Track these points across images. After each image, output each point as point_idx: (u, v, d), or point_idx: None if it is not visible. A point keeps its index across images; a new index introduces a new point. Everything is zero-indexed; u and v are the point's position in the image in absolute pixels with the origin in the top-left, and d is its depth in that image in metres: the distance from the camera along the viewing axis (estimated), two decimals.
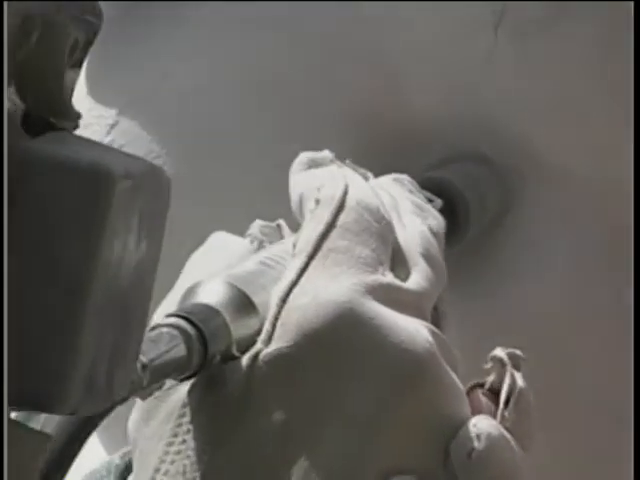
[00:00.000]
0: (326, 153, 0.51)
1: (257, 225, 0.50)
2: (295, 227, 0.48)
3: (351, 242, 0.44)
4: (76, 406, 0.38)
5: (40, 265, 0.37)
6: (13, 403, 0.37)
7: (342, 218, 0.44)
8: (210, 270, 0.46)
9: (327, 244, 0.44)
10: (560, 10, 0.74)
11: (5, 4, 0.40)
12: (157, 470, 0.42)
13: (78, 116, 0.40)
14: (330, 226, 0.44)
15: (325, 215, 0.45)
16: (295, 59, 0.77)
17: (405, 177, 0.54)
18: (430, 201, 0.54)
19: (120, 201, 0.37)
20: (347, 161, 0.51)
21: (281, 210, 0.52)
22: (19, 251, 0.37)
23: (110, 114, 0.77)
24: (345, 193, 0.46)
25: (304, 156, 0.51)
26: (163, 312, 0.44)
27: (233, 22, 0.79)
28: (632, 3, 0.81)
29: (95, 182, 0.37)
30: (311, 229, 0.44)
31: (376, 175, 0.57)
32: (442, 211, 0.54)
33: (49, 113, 0.39)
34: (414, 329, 0.42)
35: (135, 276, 0.41)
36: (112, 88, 0.79)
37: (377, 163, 0.67)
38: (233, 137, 0.75)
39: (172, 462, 0.42)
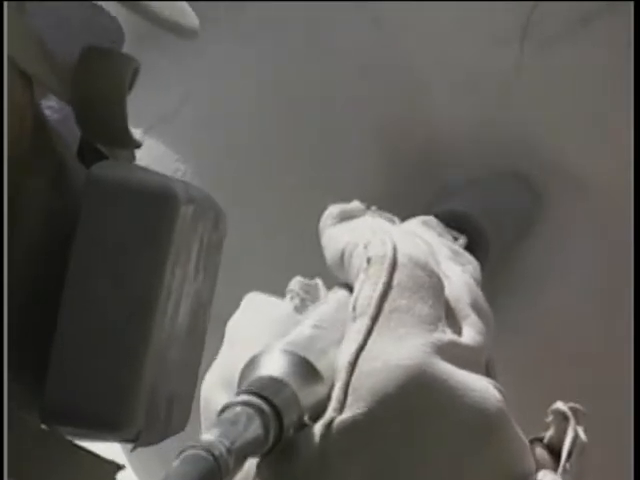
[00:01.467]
0: (356, 204, 0.51)
1: (297, 282, 0.50)
2: (329, 280, 0.49)
3: (410, 300, 0.43)
4: (138, 433, 0.40)
5: (106, 286, 0.39)
6: (82, 426, 0.40)
7: (397, 276, 0.44)
8: (260, 338, 0.45)
9: (388, 304, 0.43)
10: (582, 21, 0.73)
11: (5, 4, 0.40)
12: None
13: (138, 145, 0.43)
14: (388, 285, 0.44)
15: (381, 274, 0.44)
16: (311, 75, 0.76)
17: (432, 219, 0.55)
18: (455, 239, 0.55)
19: (184, 224, 0.39)
20: (373, 208, 0.52)
21: (303, 227, 0.55)
22: (86, 273, 0.39)
23: (135, 133, 0.79)
24: (395, 250, 0.45)
25: (334, 209, 0.51)
26: (213, 380, 0.45)
27: (249, 41, 0.78)
28: (632, 3, 0.78)
29: (163, 204, 0.38)
30: (369, 289, 0.44)
31: (402, 196, 0.62)
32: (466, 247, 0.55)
33: (111, 142, 0.43)
34: (485, 388, 0.43)
35: (192, 309, 0.43)
36: (137, 109, 0.80)
37: (399, 181, 0.73)
38: (254, 153, 0.76)
39: None
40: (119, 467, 0.42)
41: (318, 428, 0.41)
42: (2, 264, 0.39)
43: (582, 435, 0.46)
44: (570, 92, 0.75)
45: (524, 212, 0.74)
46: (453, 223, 0.56)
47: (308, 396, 0.41)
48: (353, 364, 0.41)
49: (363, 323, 0.42)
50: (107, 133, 0.42)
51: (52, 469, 0.41)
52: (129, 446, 0.41)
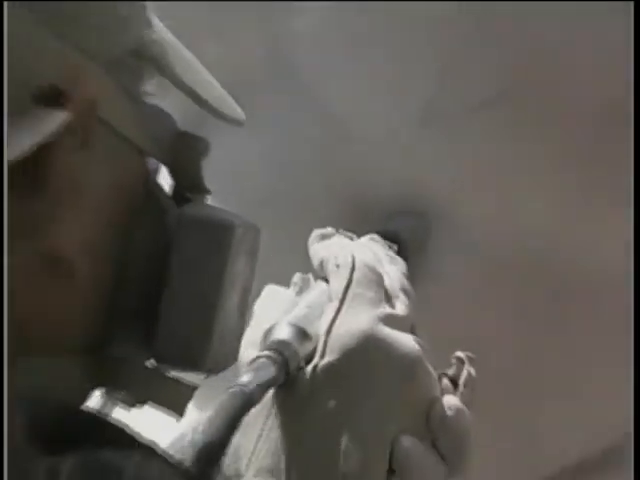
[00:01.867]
0: (330, 229, 0.72)
1: (297, 276, 0.70)
2: (316, 277, 0.69)
3: (363, 290, 0.64)
4: (209, 370, 0.59)
5: (193, 279, 0.58)
6: (178, 364, 0.58)
7: (355, 275, 0.64)
8: (273, 314, 0.64)
9: (350, 292, 0.63)
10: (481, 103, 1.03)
11: (5, 4, 0.44)
12: (259, 438, 0.61)
13: (209, 192, 0.63)
14: (350, 281, 0.64)
15: (346, 274, 0.65)
16: (294, 157, 1.14)
17: (375, 236, 0.76)
18: (390, 247, 0.76)
19: (237, 240, 0.58)
20: (340, 230, 0.73)
21: (300, 244, 0.73)
22: (180, 271, 0.57)
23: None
24: (354, 258, 0.66)
25: (316, 232, 0.72)
26: (245, 342, 0.65)
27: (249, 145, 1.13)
28: (632, 3, 0.88)
29: (225, 229, 0.58)
30: (338, 284, 0.64)
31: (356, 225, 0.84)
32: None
33: (193, 190, 0.62)
34: (410, 342, 0.61)
35: (241, 293, 0.63)
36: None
37: (351, 213, 1.11)
38: (267, 206, 1.12)
39: (267, 437, 0.60)
40: (195, 388, 0.61)
41: (308, 369, 0.60)
42: (2, 264, 0.44)
43: (473, 373, 0.66)
44: (463, 156, 1.09)
45: (422, 234, 1.08)
46: (388, 237, 0.78)
47: (303, 350, 0.60)
48: (329, 330, 0.61)
49: (335, 304, 0.63)
50: (191, 185, 0.60)
51: (153, 391, 0.59)
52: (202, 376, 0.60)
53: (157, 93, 0.55)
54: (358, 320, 0.62)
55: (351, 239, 0.73)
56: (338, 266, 0.65)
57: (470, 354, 0.67)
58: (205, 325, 0.58)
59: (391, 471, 0.60)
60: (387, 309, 0.63)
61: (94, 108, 0.49)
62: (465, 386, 0.65)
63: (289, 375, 0.59)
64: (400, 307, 0.65)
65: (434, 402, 0.62)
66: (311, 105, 1.09)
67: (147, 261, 0.57)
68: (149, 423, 0.63)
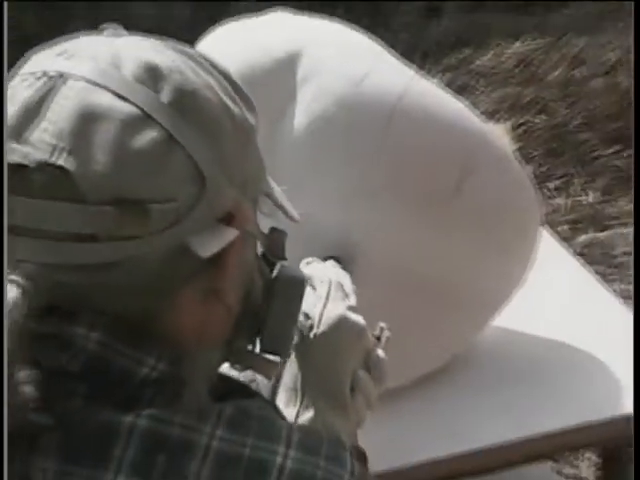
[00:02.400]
0: (310, 259, 1.22)
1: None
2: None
3: (336, 294, 1.12)
4: (287, 355, 1.02)
5: (286, 310, 1.00)
6: (267, 352, 0.98)
7: (332, 288, 1.13)
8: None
9: (331, 295, 1.12)
10: None
11: (5, 3, 0.89)
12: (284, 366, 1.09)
13: (286, 259, 1.01)
14: (330, 289, 1.13)
15: (326, 286, 1.13)
16: None
17: (332, 261, 1.29)
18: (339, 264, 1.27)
19: (305, 287, 1.01)
20: (315, 258, 1.22)
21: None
22: (279, 310, 0.98)
23: None
24: (330, 277, 1.14)
25: (303, 261, 1.21)
26: None
27: None
28: (632, 3, 0.85)
29: (303, 282, 0.99)
30: (323, 290, 1.12)
31: None
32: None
33: (278, 258, 1.00)
34: (360, 319, 1.10)
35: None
36: None
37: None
38: None
39: (289, 367, 1.08)
40: (277, 364, 0.99)
41: (311, 334, 1.08)
42: (2, 265, 0.60)
43: (389, 334, 1.15)
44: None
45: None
46: (336, 260, 1.29)
47: (307, 325, 1.09)
48: (321, 314, 1.09)
49: (322, 301, 1.10)
50: (278, 255, 0.98)
51: (253, 364, 0.98)
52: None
53: (270, 213, 0.93)
54: (335, 310, 1.10)
55: (323, 262, 1.23)
56: (322, 281, 1.14)
57: (386, 324, 1.16)
58: (290, 332, 1.00)
59: (351, 389, 1.08)
60: (349, 302, 1.12)
61: (247, 224, 0.84)
62: (386, 342, 1.15)
63: (303, 335, 1.08)
64: (353, 300, 1.13)
65: (370, 352, 1.11)
66: None
67: (258, 297, 0.95)
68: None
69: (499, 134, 1.56)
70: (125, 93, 0.77)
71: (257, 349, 0.96)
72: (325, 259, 1.26)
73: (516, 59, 4.08)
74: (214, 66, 0.84)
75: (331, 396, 1.06)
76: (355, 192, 1.41)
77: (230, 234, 0.81)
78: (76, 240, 0.75)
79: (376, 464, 0.98)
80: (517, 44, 4.17)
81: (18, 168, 0.74)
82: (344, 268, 1.26)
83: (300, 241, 1.31)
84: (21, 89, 0.77)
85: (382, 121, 1.38)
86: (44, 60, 0.79)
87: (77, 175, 0.74)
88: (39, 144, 0.75)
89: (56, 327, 0.76)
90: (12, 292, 0.72)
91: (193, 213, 0.78)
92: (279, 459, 0.77)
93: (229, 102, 0.83)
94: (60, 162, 0.74)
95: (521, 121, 3.65)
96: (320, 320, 1.08)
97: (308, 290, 1.04)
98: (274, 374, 1.00)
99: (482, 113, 3.60)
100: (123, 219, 0.74)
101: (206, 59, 0.84)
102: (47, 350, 0.76)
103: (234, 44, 1.46)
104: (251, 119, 0.85)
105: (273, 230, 0.94)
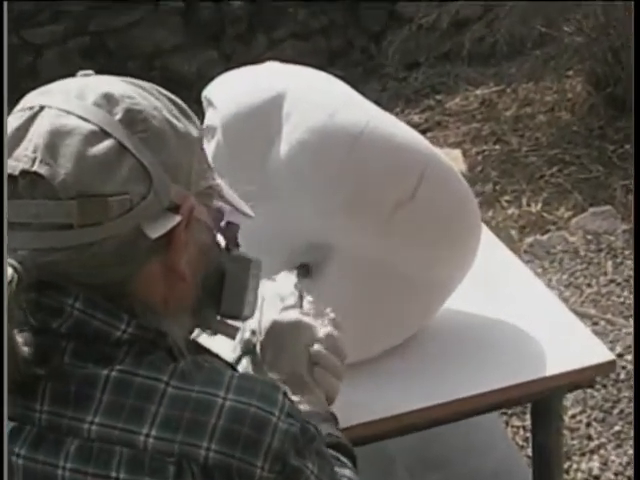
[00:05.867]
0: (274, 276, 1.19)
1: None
2: None
3: (272, 302, 1.11)
4: (245, 318, 1.00)
5: (237, 280, 1.01)
6: (232, 318, 0.99)
7: (265, 301, 1.10)
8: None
9: (263, 308, 1.10)
10: None
11: (5, 4, 0.82)
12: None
13: (239, 245, 1.03)
14: (261, 304, 1.09)
15: (260, 302, 1.08)
16: None
17: (286, 272, 1.22)
18: (292, 271, 1.24)
19: (256, 261, 1.03)
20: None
21: None
22: (233, 277, 1.00)
23: None
24: (264, 293, 1.11)
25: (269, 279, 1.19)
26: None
27: None
28: (632, 3, 0.85)
29: (249, 260, 1.00)
30: (291, 300, 1.12)
31: None
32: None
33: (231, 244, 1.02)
34: (294, 315, 1.09)
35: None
36: None
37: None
38: None
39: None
40: (238, 328, 1.01)
41: (257, 346, 1.09)
42: (2, 266, 0.73)
43: (332, 316, 1.12)
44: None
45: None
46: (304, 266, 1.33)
47: (254, 338, 1.11)
48: (259, 326, 1.09)
49: (258, 316, 1.11)
50: (231, 241, 1.00)
51: (218, 329, 1.00)
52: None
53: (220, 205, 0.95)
54: (269, 317, 1.09)
55: (273, 280, 1.18)
56: (263, 299, 1.11)
57: (328, 309, 1.12)
58: (242, 298, 0.97)
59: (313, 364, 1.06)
60: (282, 304, 1.11)
61: (191, 212, 0.86)
62: (331, 322, 1.11)
63: (254, 348, 1.08)
64: (292, 299, 1.12)
65: (316, 334, 1.09)
66: None
67: (214, 272, 0.95)
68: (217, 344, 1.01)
69: (455, 156, 1.52)
70: (86, 115, 0.81)
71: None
72: (298, 266, 1.30)
73: (479, 101, 4.06)
74: (162, 93, 0.88)
75: (286, 381, 1.02)
76: (326, 204, 1.36)
77: (175, 219, 0.83)
78: (55, 229, 0.79)
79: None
80: (479, 90, 4.14)
81: (10, 178, 0.80)
82: (316, 267, 1.31)
83: (287, 245, 1.37)
84: (12, 120, 0.83)
85: (348, 142, 1.33)
86: (31, 98, 0.85)
87: (50, 178, 0.79)
88: (22, 158, 0.80)
89: (51, 298, 0.81)
90: (9, 272, 0.77)
91: (143, 203, 0.81)
92: (219, 400, 0.80)
93: (173, 119, 0.85)
94: (36, 169, 0.79)
95: (483, 149, 3.62)
96: (258, 330, 1.08)
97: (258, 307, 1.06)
98: (235, 335, 1.01)
99: (452, 143, 3.71)
100: (88, 210, 0.79)
101: (156, 89, 0.88)
102: (42, 316, 0.80)
103: (235, 86, 1.46)
104: (195, 132, 0.88)
105: (228, 224, 0.96)
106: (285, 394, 0.85)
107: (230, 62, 3.96)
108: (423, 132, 3.45)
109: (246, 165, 1.33)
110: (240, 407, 0.80)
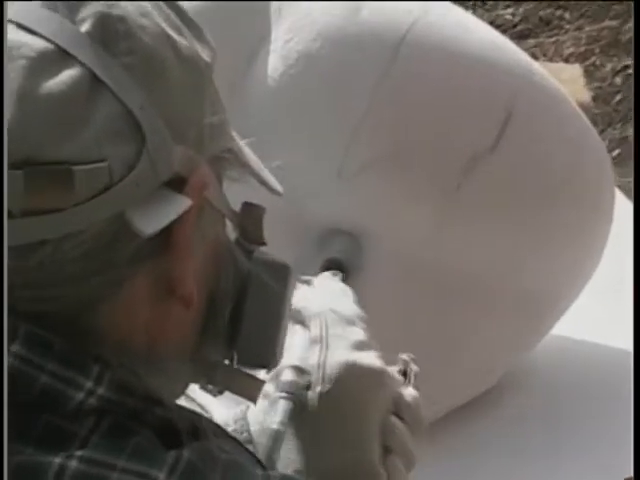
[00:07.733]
0: (307, 277, 0.84)
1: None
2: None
3: (336, 328, 0.77)
4: (273, 366, 0.67)
5: (262, 307, 0.66)
6: (250, 365, 0.66)
7: (328, 322, 0.76)
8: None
9: (326, 336, 0.76)
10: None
11: (5, 4, 0.54)
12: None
13: (265, 243, 0.69)
14: (324, 326, 0.76)
15: (319, 323, 0.76)
16: None
17: (327, 273, 0.91)
18: (335, 275, 0.93)
19: (291, 274, 0.67)
20: (299, 276, 0.81)
21: None
22: (255, 302, 0.65)
23: None
24: (322, 306, 0.78)
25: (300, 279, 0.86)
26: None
27: None
28: (632, 3, 1.22)
29: (285, 267, 0.66)
30: (317, 329, 0.75)
31: None
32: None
33: (254, 242, 0.70)
34: (376, 360, 0.75)
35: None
36: None
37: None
38: None
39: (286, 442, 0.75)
40: (264, 382, 0.68)
41: (312, 400, 0.74)
42: (2, 265, 0.51)
43: (416, 369, 0.77)
44: None
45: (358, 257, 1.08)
46: (334, 267, 0.97)
47: (303, 381, 0.76)
48: (319, 366, 0.74)
49: (318, 348, 0.77)
50: (254, 239, 0.69)
51: (231, 384, 0.65)
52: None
53: (240, 178, 0.67)
54: (339, 355, 0.74)
55: (308, 283, 0.83)
56: (315, 315, 0.76)
57: (411, 355, 0.78)
58: (274, 336, 0.67)
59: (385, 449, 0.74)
60: (354, 337, 0.75)
61: (203, 191, 0.60)
62: (414, 378, 0.80)
63: (301, 402, 0.74)
64: (359, 332, 0.76)
65: (398, 397, 0.75)
66: None
67: (230, 291, 0.65)
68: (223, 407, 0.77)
69: (572, 78, 1.38)
70: (35, 26, 0.57)
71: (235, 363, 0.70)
72: (322, 264, 0.99)
73: None
74: None
75: (355, 475, 0.74)
76: (352, 158, 1.03)
77: (182, 204, 0.57)
78: None
79: None
80: None
81: None
82: (347, 273, 0.97)
83: (283, 228, 1.02)
84: None
85: (385, 55, 0.99)
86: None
87: None
88: None
89: None
90: None
91: (130, 177, 0.56)
92: None
93: (172, 33, 0.61)
94: None
95: (623, 64, 2.63)
96: (321, 376, 0.74)
97: (299, 331, 0.77)
98: (257, 394, 0.70)
99: (569, 55, 2.65)
100: (37, 187, 0.54)
101: None
102: None
103: None
104: (205, 55, 0.63)
105: (247, 205, 0.68)
106: None
107: None
108: (518, 37, 2.52)
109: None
110: None
